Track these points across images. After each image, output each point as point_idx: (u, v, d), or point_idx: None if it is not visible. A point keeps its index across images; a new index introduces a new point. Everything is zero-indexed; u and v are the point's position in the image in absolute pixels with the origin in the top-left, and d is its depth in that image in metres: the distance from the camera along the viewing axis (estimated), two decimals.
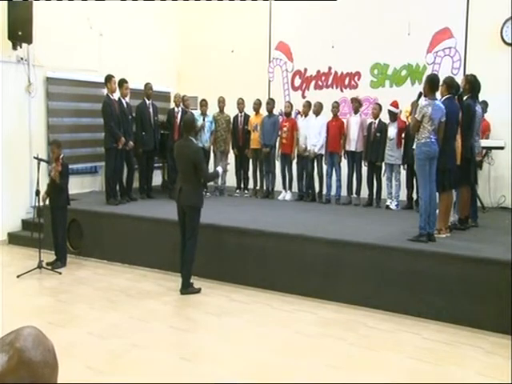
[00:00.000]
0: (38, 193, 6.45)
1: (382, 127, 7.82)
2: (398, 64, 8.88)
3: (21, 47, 7.86)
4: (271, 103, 8.83)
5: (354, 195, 8.22)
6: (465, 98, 6.09)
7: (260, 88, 9.89)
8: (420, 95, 5.74)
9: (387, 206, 7.82)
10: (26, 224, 8.03)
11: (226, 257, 6.24)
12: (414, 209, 7.41)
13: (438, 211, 5.78)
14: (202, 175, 5.86)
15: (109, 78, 7.93)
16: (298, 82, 9.94)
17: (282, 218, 6.85)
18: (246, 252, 6.14)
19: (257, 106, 8.93)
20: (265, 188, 8.94)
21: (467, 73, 7.29)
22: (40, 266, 6.44)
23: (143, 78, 8.83)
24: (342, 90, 9.47)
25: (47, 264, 6.61)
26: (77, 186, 8.58)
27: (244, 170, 9.25)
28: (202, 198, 5.83)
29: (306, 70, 9.82)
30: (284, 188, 8.77)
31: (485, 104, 7.29)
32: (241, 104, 9.08)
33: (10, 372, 1.05)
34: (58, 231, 6.78)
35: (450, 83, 5.84)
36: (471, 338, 4.60)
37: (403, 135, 7.62)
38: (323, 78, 9.66)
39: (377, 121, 7.91)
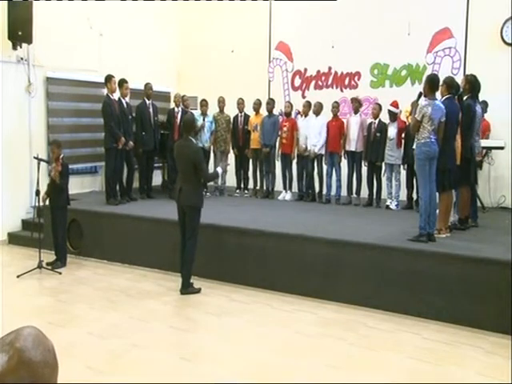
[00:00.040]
0: (37, 193, 6.45)
1: (382, 127, 7.82)
2: (398, 64, 8.88)
3: (21, 47, 7.86)
4: (271, 103, 8.83)
5: (354, 195, 8.22)
6: (465, 98, 6.09)
7: (260, 88, 9.89)
8: (420, 95, 5.73)
9: (387, 206, 7.82)
10: (26, 224, 8.03)
11: (226, 257, 6.24)
12: (413, 209, 7.41)
13: (437, 211, 5.78)
14: (202, 175, 5.86)
15: (109, 78, 7.93)
16: (297, 82, 9.94)
17: (282, 218, 6.85)
18: (245, 252, 6.14)
19: (257, 106, 8.93)
20: (265, 188, 8.94)
21: (467, 73, 7.29)
22: (40, 266, 6.44)
23: (143, 77, 8.83)
24: (341, 90, 9.47)
25: (47, 264, 6.61)
26: (77, 186, 8.58)
27: (244, 170, 9.25)
28: (202, 198, 5.83)
29: (305, 69, 9.82)
30: (284, 188, 8.77)
31: (485, 104, 7.29)
32: (241, 104, 9.08)
33: (10, 372, 1.05)
34: (58, 231, 6.78)
35: (450, 83, 5.84)
36: (471, 338, 4.60)
37: (403, 135, 7.62)
38: (323, 78, 9.66)
39: (377, 121, 7.91)
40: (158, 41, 10.33)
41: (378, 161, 7.88)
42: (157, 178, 9.46)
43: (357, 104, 8.24)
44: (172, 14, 10.81)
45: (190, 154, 5.69)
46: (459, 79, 6.46)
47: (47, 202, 6.79)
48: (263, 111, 8.94)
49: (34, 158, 6.60)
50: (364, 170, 8.12)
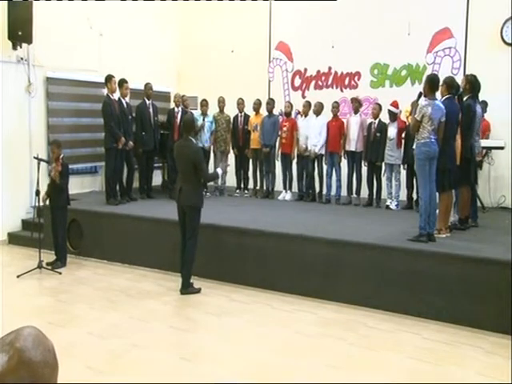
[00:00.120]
0: (38, 193, 6.45)
1: (382, 127, 7.82)
2: (398, 64, 8.88)
3: (21, 47, 7.86)
4: (271, 103, 8.83)
5: (354, 195, 8.22)
6: (465, 98, 6.09)
7: (260, 88, 9.89)
8: (420, 95, 5.73)
9: (387, 206, 7.82)
10: (26, 224, 8.03)
11: (226, 257, 6.24)
12: (413, 209, 7.41)
13: (437, 211, 5.78)
14: (202, 175, 5.86)
15: (109, 78, 7.93)
16: (297, 82, 9.94)
17: (281, 218, 6.85)
18: (245, 252, 6.14)
19: (257, 106, 8.93)
20: (265, 188, 8.94)
21: (467, 73, 7.29)
22: (40, 266, 6.44)
23: (143, 77, 8.83)
24: (341, 90, 9.47)
25: (47, 264, 6.61)
26: (77, 186, 8.58)
27: (244, 170, 9.25)
28: (202, 198, 5.83)
29: (305, 69, 9.82)
30: (284, 188, 8.77)
31: (484, 104, 7.29)
32: (241, 104, 9.08)
33: (10, 372, 1.05)
34: (58, 231, 6.78)
35: (450, 83, 5.84)
36: (471, 338, 4.60)
37: (403, 135, 7.62)
38: (323, 78, 9.66)
39: (377, 121, 7.91)
40: (158, 41, 10.34)
41: (377, 161, 7.87)
42: (157, 178, 9.46)
43: (357, 104, 8.24)
44: (172, 13, 10.81)
45: (189, 154, 5.69)
46: (459, 79, 6.46)
47: (47, 202, 6.79)
48: (263, 111, 8.94)
49: (34, 158, 6.60)
50: (364, 169, 8.12)
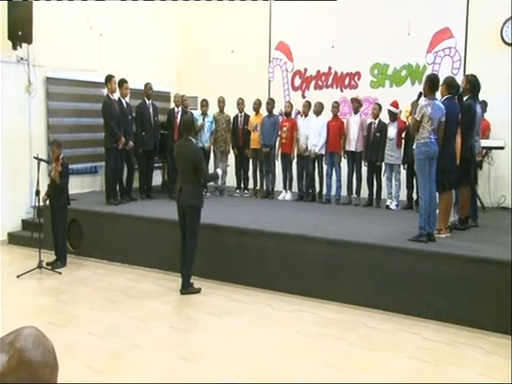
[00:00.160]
0: (38, 193, 6.45)
1: (382, 127, 7.82)
2: (398, 64, 8.88)
3: (21, 47, 7.86)
4: (271, 103, 8.83)
5: (354, 195, 8.22)
6: (465, 98, 6.09)
7: (260, 88, 9.89)
8: (420, 95, 5.73)
9: (387, 206, 7.82)
10: (26, 224, 8.03)
11: (226, 257, 6.24)
12: (413, 209, 7.40)
13: (437, 211, 5.78)
14: (202, 175, 5.86)
15: (109, 78, 7.93)
16: (297, 82, 9.94)
17: (281, 218, 6.85)
18: (246, 252, 6.14)
19: (257, 106, 8.93)
20: (265, 188, 8.94)
21: (467, 73, 7.30)
22: (40, 266, 6.44)
23: (143, 77, 8.83)
24: (341, 90, 9.47)
25: (47, 264, 6.61)
26: (77, 186, 8.58)
27: (244, 170, 9.25)
28: (202, 198, 5.83)
29: (305, 69, 9.82)
30: (284, 188, 8.77)
31: (484, 104, 7.29)
32: (241, 104, 9.08)
33: (10, 372, 1.05)
34: (58, 231, 6.78)
35: (451, 83, 5.84)
36: (471, 338, 4.60)
37: (403, 135, 7.62)
38: (323, 78, 9.66)
39: (377, 121, 7.91)
40: (158, 41, 10.34)
41: (377, 161, 7.88)
42: (157, 178, 9.46)
43: (357, 104, 8.24)
44: (172, 13, 10.81)
45: (189, 154, 5.69)
46: (459, 79, 6.46)
47: (47, 202, 6.78)
48: (263, 111, 8.94)
49: (34, 158, 6.60)
50: (364, 169, 8.12)
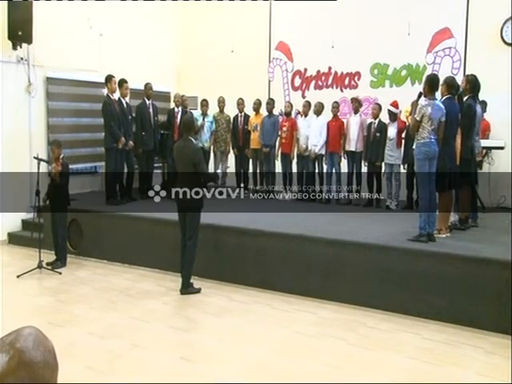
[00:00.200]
0: (38, 193, 6.45)
1: (382, 127, 7.82)
2: (398, 64, 8.88)
3: (21, 47, 7.86)
4: (271, 103, 8.84)
5: (354, 195, 8.22)
6: (465, 98, 6.08)
7: (260, 88, 9.89)
8: (420, 95, 5.73)
9: (387, 206, 7.82)
10: (25, 224, 8.03)
11: (226, 257, 6.24)
12: (413, 209, 7.39)
13: (437, 211, 5.78)
14: (202, 175, 5.86)
15: (109, 78, 7.93)
16: (297, 81, 9.94)
17: (281, 218, 6.85)
18: (245, 252, 6.14)
19: (257, 106, 8.94)
20: (265, 188, 8.93)
21: (467, 73, 7.29)
22: (40, 266, 6.44)
23: (143, 77, 8.83)
24: (341, 90, 9.47)
25: (47, 264, 6.60)
26: (77, 186, 8.56)
27: (244, 169, 9.24)
28: (202, 199, 5.83)
29: (305, 69, 9.82)
30: (284, 188, 8.77)
31: (484, 104, 7.29)
32: (241, 104, 9.08)
33: (11, 372, 1.05)
34: (57, 231, 6.78)
35: (451, 83, 5.84)
36: (471, 338, 4.60)
37: (403, 135, 7.62)
38: (323, 78, 9.66)
39: (377, 121, 7.91)
40: (158, 41, 10.33)
41: (377, 161, 7.88)
42: (157, 179, 9.45)
43: (357, 104, 8.25)
44: (172, 14, 10.81)
45: (189, 154, 5.69)
46: (459, 79, 6.46)
47: (47, 202, 6.78)
48: (263, 111, 8.95)
49: (34, 158, 6.59)
50: (364, 169, 8.12)
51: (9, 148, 7.83)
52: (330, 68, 9.56)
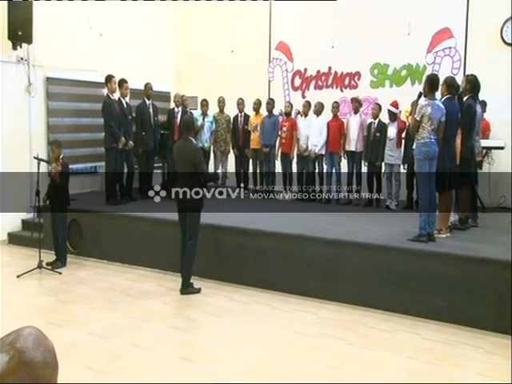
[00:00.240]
0: (38, 193, 6.45)
1: (382, 127, 7.82)
2: (398, 64, 8.88)
3: (21, 47, 7.87)
4: (271, 103, 8.84)
5: (354, 195, 8.22)
6: (465, 98, 6.08)
7: (260, 88, 9.89)
8: (420, 95, 5.73)
9: (387, 206, 7.82)
10: (26, 224, 8.03)
11: (226, 257, 6.24)
12: (413, 209, 7.39)
13: (437, 211, 5.78)
14: (202, 175, 5.86)
15: (109, 78, 7.94)
16: (297, 81, 9.94)
17: (281, 218, 6.85)
18: (245, 252, 6.14)
19: (257, 106, 8.94)
20: (265, 188, 8.93)
21: (467, 73, 7.29)
22: (40, 266, 6.44)
23: (143, 77, 8.83)
24: (341, 90, 9.47)
25: (47, 264, 6.60)
26: (77, 186, 8.56)
27: (244, 169, 9.24)
28: (202, 199, 5.83)
29: (305, 69, 9.82)
30: (284, 188, 8.77)
31: (484, 104, 7.29)
32: (241, 104, 9.08)
33: (11, 372, 1.05)
34: (58, 231, 6.78)
35: (451, 83, 5.84)
36: (471, 338, 4.60)
37: (403, 135, 7.62)
38: (323, 78, 9.66)
39: (376, 121, 7.91)
40: (158, 41, 10.33)
41: (377, 161, 7.88)
42: (157, 179, 9.45)
43: (357, 104, 8.25)
44: (172, 14, 10.81)
45: (189, 154, 5.69)
46: (459, 79, 6.46)
47: (47, 202, 6.78)
48: (263, 111, 8.95)
49: (34, 158, 6.59)
50: (364, 169, 8.12)
51: (9, 148, 7.83)
52: (330, 68, 9.56)
